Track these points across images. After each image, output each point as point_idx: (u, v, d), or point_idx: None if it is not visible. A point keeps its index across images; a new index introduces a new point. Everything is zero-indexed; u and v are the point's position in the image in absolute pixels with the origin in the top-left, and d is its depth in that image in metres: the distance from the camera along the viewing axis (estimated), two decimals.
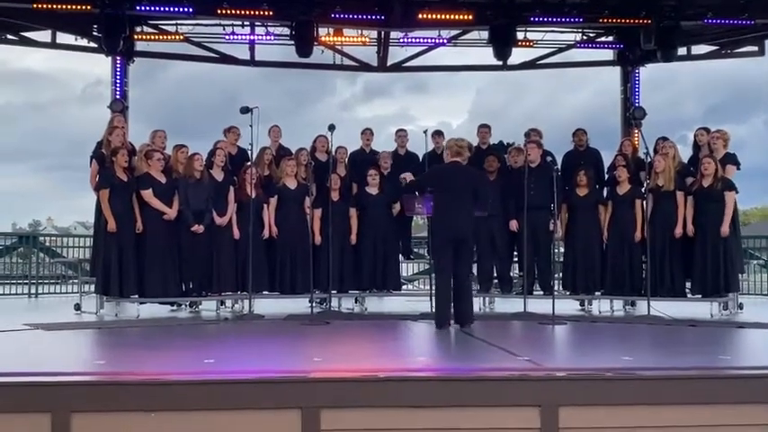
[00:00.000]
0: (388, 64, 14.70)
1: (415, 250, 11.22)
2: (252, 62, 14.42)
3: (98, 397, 4.11)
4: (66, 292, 12.89)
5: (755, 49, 14.24)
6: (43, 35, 13.56)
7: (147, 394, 4.11)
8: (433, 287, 7.58)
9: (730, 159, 8.98)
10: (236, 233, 8.80)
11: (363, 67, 14.78)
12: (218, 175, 8.87)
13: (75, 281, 12.05)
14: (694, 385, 4.33)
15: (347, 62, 14.50)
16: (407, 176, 8.73)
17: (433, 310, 7.47)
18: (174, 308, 9.16)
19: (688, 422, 4.25)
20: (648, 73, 14.49)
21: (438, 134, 9.92)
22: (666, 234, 8.76)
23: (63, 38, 13.57)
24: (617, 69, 14.84)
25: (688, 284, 8.92)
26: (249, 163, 8.82)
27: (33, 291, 12.80)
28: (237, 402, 4.11)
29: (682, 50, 13.90)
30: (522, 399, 4.23)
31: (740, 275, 9.39)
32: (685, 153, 9.46)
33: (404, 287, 10.15)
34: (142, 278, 8.40)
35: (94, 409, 4.06)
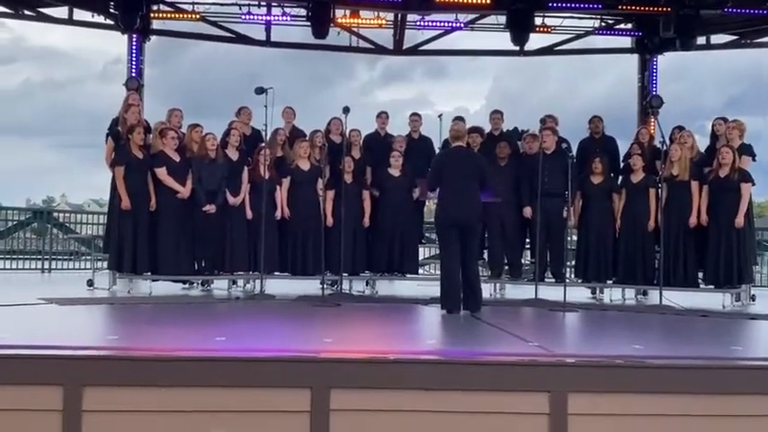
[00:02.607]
0: (404, 47, 14.63)
1: (427, 235, 11.21)
2: (267, 43, 14.38)
3: (110, 371, 4.15)
4: (79, 268, 12.98)
5: None
6: (60, 11, 13.58)
7: (158, 370, 4.15)
8: (441, 272, 7.60)
9: (746, 150, 8.90)
10: (249, 213, 8.81)
11: (379, 49, 14.71)
12: (233, 154, 8.88)
13: (89, 257, 12.13)
14: (705, 375, 4.32)
15: (363, 44, 14.44)
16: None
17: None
18: (186, 286, 9.21)
19: (697, 412, 4.24)
20: (667, 62, 14.37)
21: (459, 119, 9.86)
22: (680, 224, 8.71)
23: (80, 14, 13.58)
24: (635, 57, 14.72)
25: (701, 275, 8.88)
26: (263, 144, 8.82)
27: (47, 266, 12.90)
28: (247, 380, 4.14)
29: (701, 40, 13.77)
30: (531, 384, 4.23)
31: (753, 267, 9.35)
32: (703, 143, 9.41)
33: None
34: (155, 255, 8.44)
35: (106, 383, 4.10)
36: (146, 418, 4.09)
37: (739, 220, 8.45)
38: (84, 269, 12.24)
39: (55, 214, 15.69)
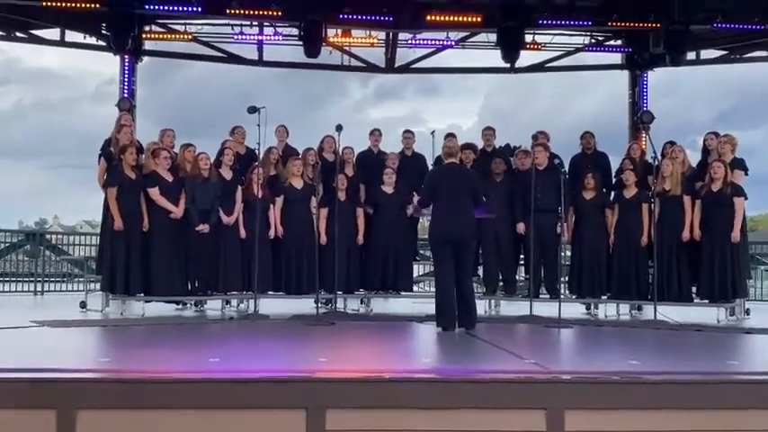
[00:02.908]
0: (396, 65, 14.70)
1: (421, 252, 11.21)
2: (260, 62, 14.44)
3: (103, 394, 4.11)
4: (72, 290, 12.91)
5: (766, 53, 14.17)
6: (52, 33, 13.60)
7: (152, 392, 4.11)
8: (435, 289, 7.58)
9: (738, 165, 8.95)
10: (243, 233, 8.80)
11: (371, 68, 14.78)
12: (227, 174, 8.88)
13: (81, 279, 12.07)
14: (701, 390, 4.31)
15: (355, 63, 14.50)
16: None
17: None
18: (180, 307, 9.16)
19: (694, 427, 4.23)
20: (658, 78, 14.46)
21: (451, 136, 9.88)
22: (673, 238, 8.73)
23: (72, 36, 13.60)
24: (625, 73, 14.80)
25: (695, 289, 8.88)
26: (256, 163, 8.82)
27: (39, 288, 12.82)
28: (242, 401, 4.11)
29: (691, 55, 13.86)
30: (527, 401, 4.21)
31: (747, 281, 9.36)
32: (694, 158, 9.45)
33: None
34: (148, 276, 8.40)
35: (100, 405, 4.06)
36: None
37: (735, 235, 8.47)
38: (77, 291, 12.17)
39: (47, 236, 15.62)
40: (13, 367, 4.40)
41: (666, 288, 8.71)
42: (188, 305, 9.18)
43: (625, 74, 14.82)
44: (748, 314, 9.03)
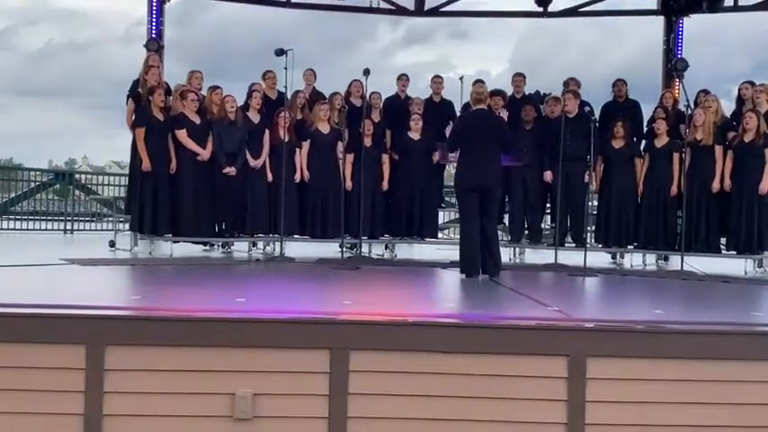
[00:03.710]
0: (426, 8, 14.43)
1: (447, 199, 11.18)
2: (288, 4, 14.25)
3: (132, 331, 4.19)
4: (101, 230, 13.10)
5: None
6: None
7: (179, 330, 4.19)
8: (460, 236, 7.58)
9: None
10: (269, 176, 8.82)
11: (400, 10, 14.51)
12: (255, 117, 8.86)
13: (110, 218, 12.23)
14: (725, 340, 4.30)
15: (384, 5, 14.25)
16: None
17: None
18: (207, 248, 9.27)
19: (717, 377, 4.23)
20: (694, 24, 14.06)
21: (480, 82, 9.75)
22: (703, 189, 8.61)
23: None
24: (660, 19, 14.43)
25: (723, 240, 8.79)
26: (283, 107, 8.79)
27: (69, 227, 13.01)
28: (267, 340, 4.17)
29: (728, 1, 13.45)
30: (550, 348, 4.23)
31: None
32: (729, 108, 9.24)
33: None
34: (176, 217, 8.49)
35: (128, 342, 4.15)
36: (166, 378, 4.14)
37: (764, 186, 8.33)
38: (106, 230, 12.36)
39: (77, 176, 15.81)
40: (44, 303, 4.49)
41: (694, 239, 8.63)
42: (215, 246, 9.28)
43: (660, 20, 14.45)
44: None
